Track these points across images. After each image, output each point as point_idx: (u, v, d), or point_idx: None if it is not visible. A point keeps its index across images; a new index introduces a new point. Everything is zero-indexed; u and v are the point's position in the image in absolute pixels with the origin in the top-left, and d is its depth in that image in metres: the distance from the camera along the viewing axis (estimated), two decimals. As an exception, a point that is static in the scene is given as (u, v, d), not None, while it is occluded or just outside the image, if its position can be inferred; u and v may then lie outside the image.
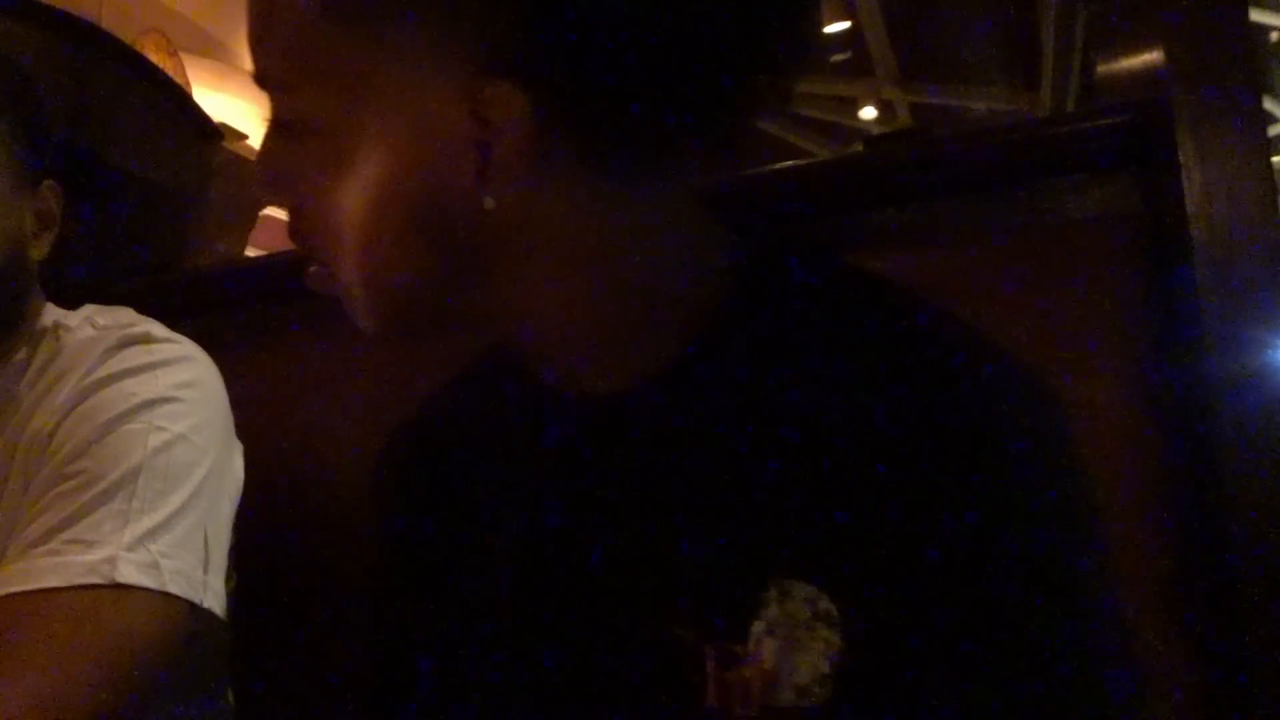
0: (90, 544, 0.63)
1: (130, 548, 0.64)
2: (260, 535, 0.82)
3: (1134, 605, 0.68)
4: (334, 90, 0.46)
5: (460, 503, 0.59)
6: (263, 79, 0.49)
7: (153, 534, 0.65)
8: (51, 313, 0.81)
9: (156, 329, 0.77)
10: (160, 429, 0.70)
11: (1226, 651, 0.66)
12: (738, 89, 0.47)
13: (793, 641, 0.44)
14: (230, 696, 0.84)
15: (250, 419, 0.84)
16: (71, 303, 0.83)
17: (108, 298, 0.84)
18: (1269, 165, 0.67)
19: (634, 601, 0.49)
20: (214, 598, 0.69)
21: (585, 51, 0.43)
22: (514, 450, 0.57)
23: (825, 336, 0.48)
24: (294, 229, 0.52)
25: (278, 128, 0.50)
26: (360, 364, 0.97)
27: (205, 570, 0.69)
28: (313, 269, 0.53)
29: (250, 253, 1.60)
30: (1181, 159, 0.67)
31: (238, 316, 1.07)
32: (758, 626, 0.45)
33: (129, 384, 0.71)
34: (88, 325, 0.78)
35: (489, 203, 0.46)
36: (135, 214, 1.20)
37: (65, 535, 0.64)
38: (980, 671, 0.42)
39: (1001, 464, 0.43)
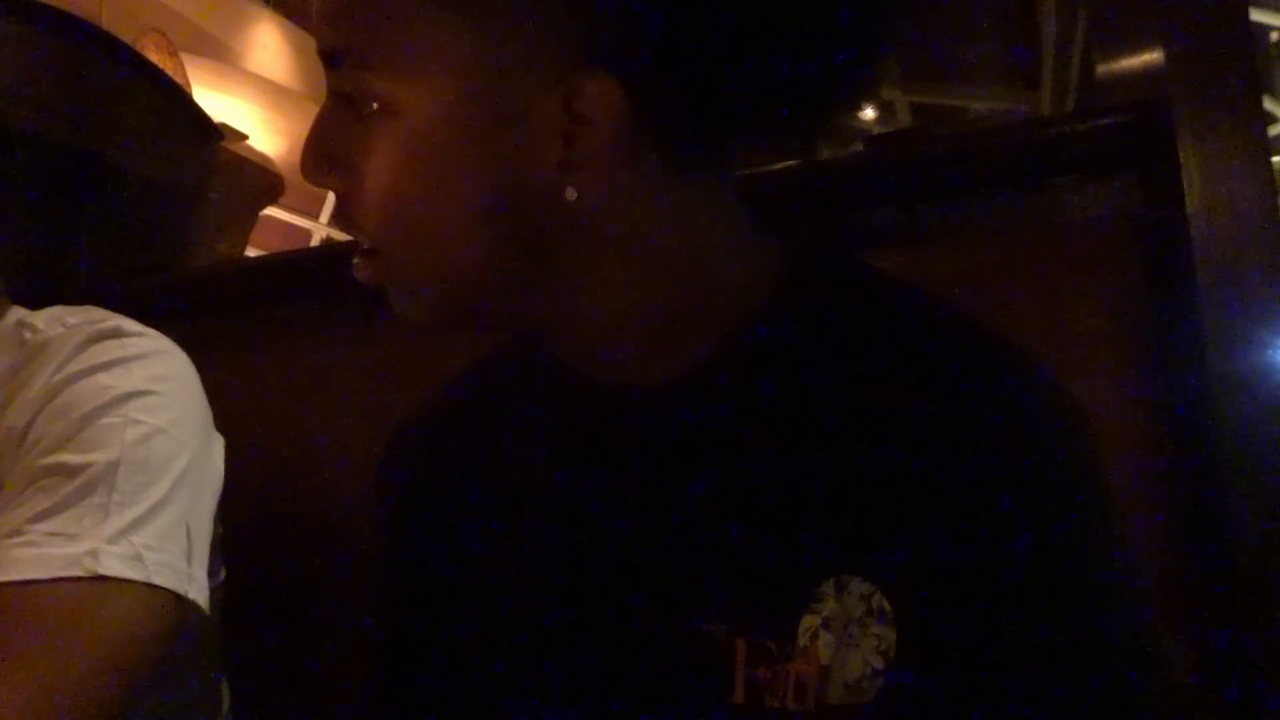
0: (71, 537, 0.62)
1: (112, 540, 0.63)
2: (260, 535, 0.82)
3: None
4: (421, 70, 0.45)
5: (484, 493, 0.58)
6: (337, 53, 0.47)
7: (134, 526, 0.65)
8: (15, 312, 0.79)
9: (127, 324, 0.76)
10: (138, 422, 0.69)
11: (1227, 651, 0.66)
12: (829, 89, 0.48)
13: (847, 637, 0.44)
14: (225, 694, 0.84)
15: (250, 419, 0.84)
16: (72, 304, 0.83)
17: (108, 298, 0.84)
18: (1269, 165, 0.67)
19: (666, 595, 0.49)
20: (198, 590, 0.69)
21: (689, 48, 0.43)
22: (544, 440, 0.56)
23: (869, 338, 0.49)
24: (344, 213, 0.49)
25: (342, 104, 0.47)
26: (360, 364, 0.97)
27: (189, 562, 0.69)
28: (358, 259, 0.50)
29: (250, 253, 1.60)
30: (1182, 159, 0.67)
31: (238, 316, 1.07)
32: (810, 621, 0.44)
33: (103, 378, 0.70)
34: (56, 323, 0.76)
35: (571, 194, 0.45)
36: (135, 214, 1.20)
37: (44, 528, 0.63)
38: (1023, 672, 0.43)
39: (1042, 469, 0.44)
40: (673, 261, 0.50)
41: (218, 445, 0.80)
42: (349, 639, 0.92)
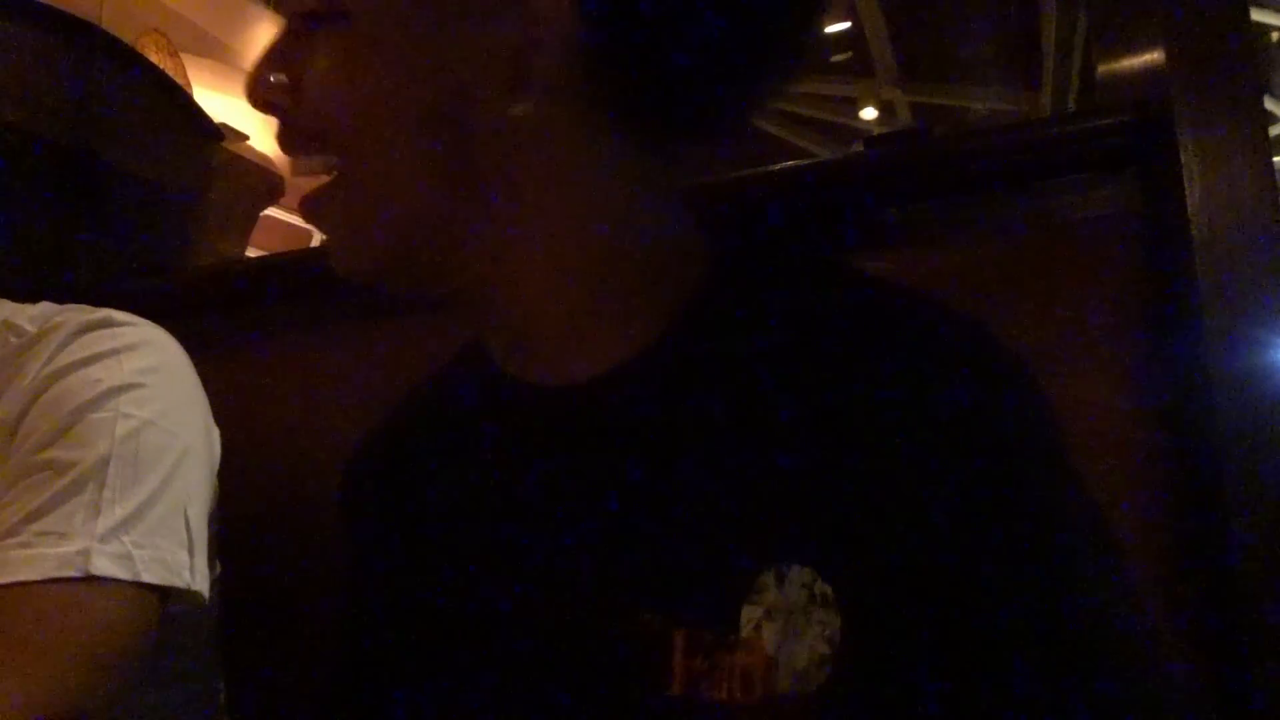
0: (63, 535, 0.63)
1: (103, 539, 0.63)
2: (259, 534, 0.82)
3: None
4: None
5: (435, 499, 0.59)
6: None
7: (125, 524, 0.65)
8: (3, 308, 0.79)
9: (117, 314, 0.76)
10: (128, 416, 0.69)
11: (1226, 651, 0.66)
12: (759, 58, 0.49)
13: (792, 626, 0.43)
14: (222, 693, 0.84)
15: (249, 419, 0.83)
16: (65, 303, 0.82)
17: (108, 298, 0.84)
18: (1270, 165, 0.67)
19: (602, 587, 0.48)
20: (201, 579, 0.69)
21: None
22: (486, 443, 0.58)
23: (796, 321, 0.49)
24: (292, 130, 0.51)
25: (295, 26, 0.50)
26: (358, 364, 0.97)
27: (190, 553, 0.69)
28: (308, 196, 0.52)
29: (250, 253, 1.59)
30: (1182, 159, 0.67)
31: (238, 316, 1.07)
32: (752, 612, 0.44)
33: (93, 370, 0.70)
34: (43, 319, 0.76)
35: (518, 110, 0.47)
36: (135, 214, 1.20)
37: (36, 527, 0.63)
38: (974, 646, 0.42)
39: (974, 435, 0.43)
40: (608, 233, 0.51)
41: (215, 435, 0.79)
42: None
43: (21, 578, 0.61)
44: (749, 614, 0.44)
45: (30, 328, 0.75)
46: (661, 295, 0.52)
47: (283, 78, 0.50)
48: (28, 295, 0.82)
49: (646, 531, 0.48)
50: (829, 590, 0.43)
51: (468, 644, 0.53)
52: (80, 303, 0.82)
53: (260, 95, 0.50)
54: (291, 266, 1.10)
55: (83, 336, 0.72)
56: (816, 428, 0.45)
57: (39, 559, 0.62)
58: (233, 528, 0.80)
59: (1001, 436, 0.43)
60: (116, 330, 0.74)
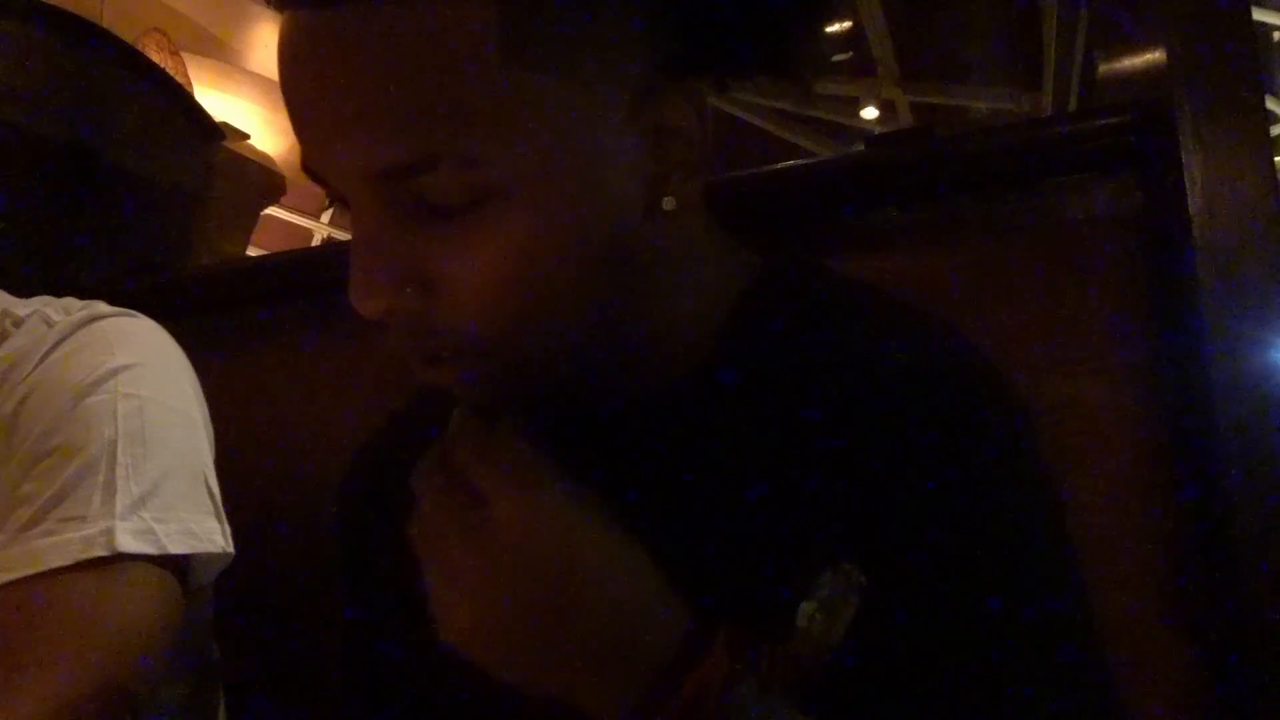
0: (84, 519, 0.64)
1: (123, 516, 0.64)
2: (258, 534, 0.82)
3: (1135, 605, 0.68)
4: (527, 144, 0.43)
5: None
6: (419, 164, 0.42)
7: (143, 500, 0.66)
8: (1, 299, 0.79)
9: (103, 306, 0.77)
10: (128, 395, 0.69)
11: (1226, 651, 0.65)
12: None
13: (834, 612, 0.46)
14: (221, 697, 0.84)
15: (249, 418, 0.83)
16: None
17: (108, 298, 0.84)
18: (1271, 165, 0.67)
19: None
20: (229, 539, 0.72)
21: (751, 11, 0.47)
22: None
23: (825, 351, 0.51)
24: (423, 329, 0.46)
25: (410, 216, 0.44)
26: (361, 364, 0.97)
27: (218, 518, 0.71)
28: (430, 366, 0.48)
29: (250, 253, 1.59)
30: (1184, 159, 0.67)
31: (238, 316, 1.07)
32: (809, 606, 0.46)
33: (86, 358, 0.71)
34: (37, 315, 0.77)
35: (669, 203, 0.47)
36: (135, 214, 1.20)
37: (56, 514, 0.64)
38: (957, 633, 0.45)
39: (976, 463, 0.47)
40: (691, 277, 0.52)
41: (208, 418, 0.80)
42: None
43: (51, 565, 0.62)
44: (807, 608, 0.46)
45: (25, 315, 0.76)
46: (709, 317, 0.53)
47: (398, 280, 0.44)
48: (27, 293, 0.82)
49: (706, 546, 0.49)
50: (862, 579, 0.46)
51: None
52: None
53: (383, 304, 0.44)
54: (291, 266, 1.10)
55: (75, 332, 0.73)
56: (845, 447, 0.48)
57: (64, 544, 0.62)
58: (231, 527, 0.80)
59: (994, 462, 0.48)
60: (104, 321, 0.75)
